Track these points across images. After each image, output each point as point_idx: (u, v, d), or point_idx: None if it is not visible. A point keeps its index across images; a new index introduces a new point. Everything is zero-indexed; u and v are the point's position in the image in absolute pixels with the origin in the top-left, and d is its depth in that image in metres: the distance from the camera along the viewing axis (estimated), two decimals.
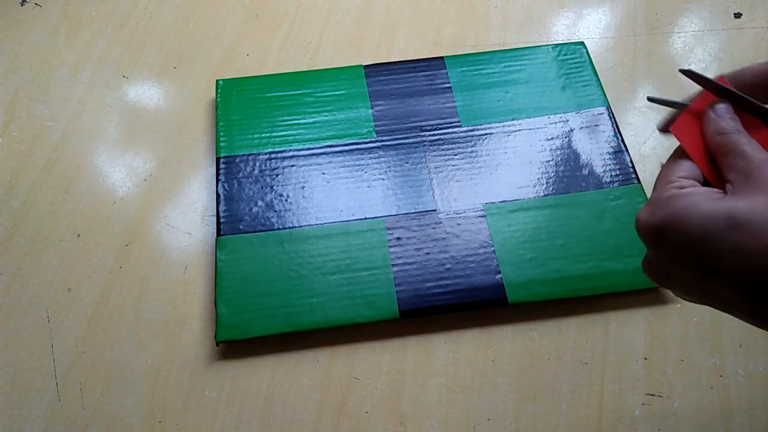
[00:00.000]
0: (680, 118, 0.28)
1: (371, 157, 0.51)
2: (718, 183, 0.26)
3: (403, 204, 0.48)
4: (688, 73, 0.28)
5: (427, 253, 0.46)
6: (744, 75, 0.28)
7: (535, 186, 0.49)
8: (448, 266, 0.45)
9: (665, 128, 0.30)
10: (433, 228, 0.47)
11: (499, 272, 0.45)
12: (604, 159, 0.50)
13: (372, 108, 0.53)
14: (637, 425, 0.41)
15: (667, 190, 0.25)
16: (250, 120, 0.52)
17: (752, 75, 0.27)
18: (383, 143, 0.51)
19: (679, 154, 0.28)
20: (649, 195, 0.48)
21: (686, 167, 0.26)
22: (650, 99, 0.30)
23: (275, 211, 0.48)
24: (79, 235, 0.49)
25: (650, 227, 0.25)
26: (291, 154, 0.51)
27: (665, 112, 0.31)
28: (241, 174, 0.50)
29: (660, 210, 0.25)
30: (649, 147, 0.53)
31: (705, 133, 0.27)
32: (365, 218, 0.48)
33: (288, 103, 0.53)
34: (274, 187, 0.49)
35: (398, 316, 0.44)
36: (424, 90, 0.54)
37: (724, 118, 0.26)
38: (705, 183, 0.26)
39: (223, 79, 0.55)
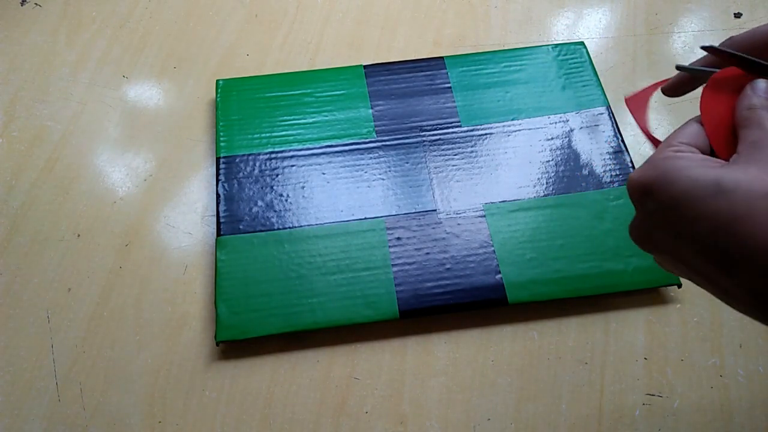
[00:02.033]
0: (706, 86, 0.27)
1: (371, 157, 0.51)
2: (726, 155, 0.25)
3: (403, 204, 0.48)
4: (710, 50, 0.27)
5: (427, 253, 0.46)
6: (754, 37, 0.27)
7: (535, 186, 0.49)
8: (448, 266, 0.45)
9: (669, 92, 0.30)
10: (433, 228, 0.47)
11: (499, 272, 0.45)
12: (604, 159, 0.50)
13: (372, 108, 0.53)
14: (637, 425, 0.41)
15: (664, 152, 0.25)
16: (250, 120, 0.52)
17: (763, 34, 0.27)
18: (383, 143, 0.51)
19: (692, 120, 0.27)
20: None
21: (689, 133, 0.26)
22: (678, 67, 0.29)
23: (275, 211, 0.48)
24: (79, 235, 0.49)
25: (638, 184, 0.25)
26: (291, 154, 0.51)
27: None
28: (241, 174, 0.50)
29: (652, 169, 0.24)
30: (649, 147, 0.53)
31: (737, 106, 0.26)
32: (365, 218, 0.48)
33: (288, 103, 0.53)
34: (274, 187, 0.49)
35: (398, 316, 0.44)
36: (424, 90, 0.54)
37: (759, 94, 0.26)
38: (711, 154, 0.26)
39: (223, 79, 0.55)
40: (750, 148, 0.24)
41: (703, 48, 0.27)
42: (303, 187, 0.49)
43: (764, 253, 0.21)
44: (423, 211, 0.48)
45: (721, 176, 0.22)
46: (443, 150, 0.51)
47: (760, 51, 0.27)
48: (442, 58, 0.56)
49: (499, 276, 0.45)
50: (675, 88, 0.31)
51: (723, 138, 0.26)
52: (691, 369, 0.43)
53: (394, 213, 0.48)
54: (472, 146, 0.51)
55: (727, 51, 0.27)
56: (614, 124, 0.52)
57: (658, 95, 0.31)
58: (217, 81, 0.55)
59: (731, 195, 0.22)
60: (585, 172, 0.50)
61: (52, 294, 0.46)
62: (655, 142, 0.28)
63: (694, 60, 0.30)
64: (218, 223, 0.47)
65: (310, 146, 0.51)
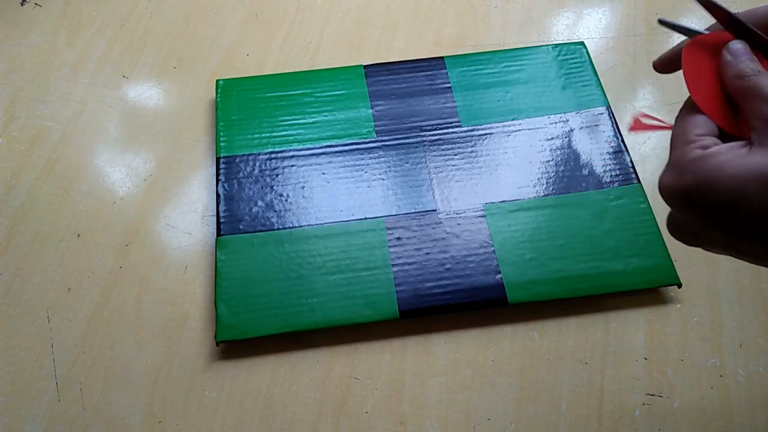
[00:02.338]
0: (685, 52, 0.26)
1: (371, 157, 0.51)
2: (735, 129, 0.24)
3: (403, 204, 0.48)
4: (706, 3, 0.26)
5: (427, 253, 0.46)
6: (753, 14, 0.26)
7: (535, 186, 0.49)
8: (448, 266, 0.45)
9: (661, 66, 0.28)
10: (433, 228, 0.47)
11: (499, 272, 0.45)
12: (604, 159, 0.50)
13: (372, 108, 0.53)
14: (637, 425, 0.41)
15: (690, 152, 0.24)
16: (250, 120, 0.52)
17: (763, 13, 0.26)
18: (383, 143, 0.51)
19: (690, 107, 0.26)
20: (649, 195, 0.48)
21: (702, 122, 0.25)
22: (661, 21, 0.28)
23: (275, 211, 0.48)
24: (79, 235, 0.49)
25: (678, 192, 0.24)
26: (291, 154, 0.51)
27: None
28: (241, 174, 0.50)
29: (687, 174, 0.23)
30: (649, 147, 0.53)
31: (723, 76, 0.25)
32: (365, 218, 0.48)
33: (288, 103, 0.53)
34: (274, 187, 0.49)
35: (398, 316, 0.44)
36: (424, 90, 0.54)
37: (741, 59, 0.25)
38: (720, 131, 0.25)
39: (223, 79, 0.55)
40: (765, 125, 0.23)
41: (698, 0, 0.26)
42: (303, 187, 0.49)
43: None
44: (423, 211, 0.48)
45: (760, 167, 0.22)
46: (443, 150, 0.51)
47: (758, 28, 0.26)
48: (442, 58, 0.56)
49: (499, 276, 0.45)
50: (668, 63, 0.29)
51: (721, 111, 0.25)
52: (691, 369, 0.43)
53: (394, 213, 0.48)
54: (472, 146, 0.51)
55: (714, 3, 0.25)
56: (614, 124, 0.52)
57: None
58: (217, 81, 0.55)
59: None
60: (585, 172, 0.50)
61: (52, 294, 0.46)
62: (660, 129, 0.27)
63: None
64: (218, 223, 0.47)
65: (310, 146, 0.51)
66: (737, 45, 0.25)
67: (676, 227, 0.26)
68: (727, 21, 0.26)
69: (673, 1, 0.62)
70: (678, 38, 0.60)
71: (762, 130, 0.23)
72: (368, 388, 0.43)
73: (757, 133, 0.23)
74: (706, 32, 0.26)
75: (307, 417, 0.42)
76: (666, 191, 0.24)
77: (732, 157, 0.23)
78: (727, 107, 0.25)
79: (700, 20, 0.61)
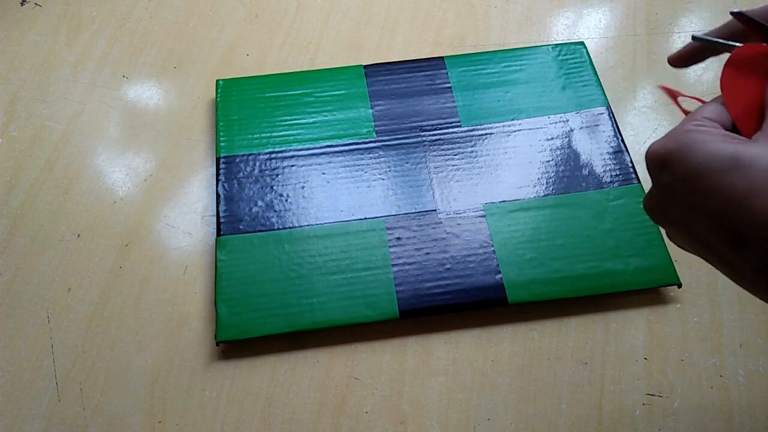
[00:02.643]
0: (728, 62, 0.26)
1: (371, 157, 0.51)
2: (749, 133, 0.25)
3: (403, 204, 0.48)
4: (739, 16, 0.26)
5: (427, 253, 0.46)
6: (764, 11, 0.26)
7: (535, 186, 0.49)
8: (448, 266, 0.45)
9: (676, 63, 0.29)
10: (433, 228, 0.47)
11: (499, 272, 0.45)
12: (604, 159, 0.50)
13: (372, 108, 0.53)
14: (637, 425, 0.41)
15: (686, 125, 0.24)
16: (250, 120, 0.52)
17: None
18: (383, 143, 0.51)
19: (711, 101, 0.27)
20: None
21: (713, 109, 0.25)
22: (695, 38, 0.28)
23: (275, 211, 0.48)
24: (79, 235, 0.49)
25: (657, 155, 0.24)
26: (291, 154, 0.51)
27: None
28: (241, 174, 0.50)
29: (671, 141, 0.24)
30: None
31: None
32: (365, 218, 0.48)
33: (288, 103, 0.53)
34: (274, 187, 0.49)
35: (398, 316, 0.44)
36: (424, 90, 0.54)
37: None
38: (734, 131, 0.25)
39: (223, 79, 0.55)
40: None
41: (733, 14, 0.26)
42: (303, 187, 0.49)
43: None
44: (423, 211, 0.48)
45: (740, 151, 0.22)
46: (443, 150, 0.51)
47: None
48: (442, 58, 0.56)
49: (499, 276, 0.45)
50: (685, 58, 0.30)
51: (746, 116, 0.25)
52: (691, 369, 0.43)
53: (394, 213, 0.48)
54: (472, 146, 0.51)
55: (758, 21, 0.25)
56: (614, 124, 0.52)
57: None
58: (217, 81, 0.55)
59: (748, 170, 0.21)
60: (585, 172, 0.50)
61: (52, 294, 0.46)
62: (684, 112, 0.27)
63: (709, 30, 0.29)
64: (218, 223, 0.47)
65: (310, 146, 0.51)
66: None
67: (648, 200, 0.26)
68: (758, 33, 0.26)
69: (673, 1, 0.62)
70: (677, 40, 0.60)
71: (765, 129, 0.23)
72: (368, 388, 0.43)
73: (761, 132, 0.23)
74: (740, 45, 0.26)
75: (307, 417, 0.42)
76: (648, 154, 0.25)
77: (718, 139, 0.23)
78: (755, 120, 0.25)
79: (700, 20, 0.61)
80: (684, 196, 0.23)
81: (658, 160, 0.24)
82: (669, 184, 0.24)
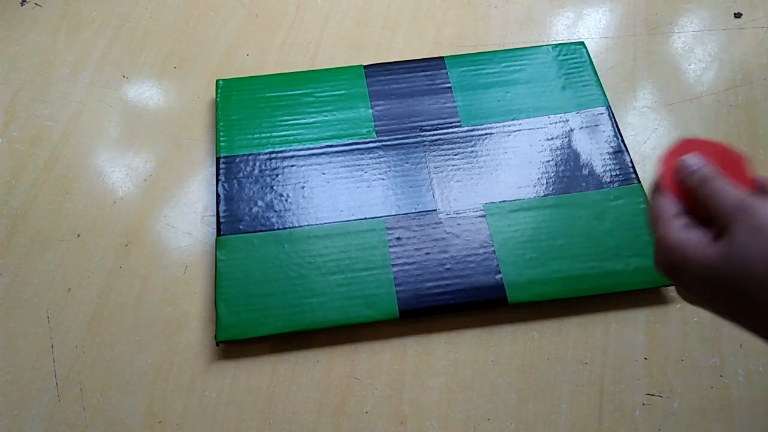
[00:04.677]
0: (663, 169, 0.31)
1: (371, 157, 0.51)
2: (700, 212, 0.29)
3: (403, 204, 0.48)
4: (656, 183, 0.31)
5: (427, 253, 0.46)
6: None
7: (535, 186, 0.49)
8: (448, 266, 0.45)
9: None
10: (433, 228, 0.47)
11: (499, 272, 0.45)
12: (604, 159, 0.50)
13: (372, 108, 0.53)
14: (637, 425, 0.41)
15: (668, 235, 0.29)
16: (250, 120, 0.52)
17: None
18: (383, 143, 0.51)
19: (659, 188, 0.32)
20: (649, 195, 0.48)
21: (673, 204, 0.30)
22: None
23: (275, 211, 0.48)
24: (79, 235, 0.49)
25: (662, 268, 0.29)
26: (291, 154, 0.51)
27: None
28: (241, 174, 0.50)
29: (666, 256, 0.29)
30: (649, 147, 0.53)
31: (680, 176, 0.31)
32: (365, 218, 0.48)
33: (288, 103, 0.53)
34: (274, 187, 0.49)
35: (398, 316, 0.44)
36: (424, 90, 0.54)
37: (693, 164, 0.30)
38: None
39: (223, 79, 0.55)
40: (720, 219, 0.28)
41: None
42: (303, 187, 0.49)
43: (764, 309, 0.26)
44: (423, 211, 0.48)
45: (714, 264, 0.27)
46: (443, 150, 0.51)
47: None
48: (442, 58, 0.56)
49: (499, 276, 0.45)
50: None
51: (689, 203, 0.30)
52: (691, 369, 0.43)
53: (394, 213, 0.48)
54: (472, 146, 0.51)
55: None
56: (614, 124, 0.52)
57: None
58: (217, 81, 0.55)
59: (732, 279, 0.26)
60: (585, 172, 0.50)
61: (52, 294, 0.46)
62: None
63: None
64: (218, 223, 0.47)
65: (310, 146, 0.51)
66: (690, 156, 0.31)
67: (677, 291, 0.31)
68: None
69: (673, 1, 0.62)
70: (677, 40, 0.60)
71: (716, 221, 0.28)
72: (368, 388, 0.43)
73: (715, 222, 0.28)
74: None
75: (307, 417, 0.42)
76: (657, 266, 0.30)
77: (697, 252, 0.28)
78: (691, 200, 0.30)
79: (700, 20, 0.61)
80: (696, 293, 0.29)
81: (664, 272, 0.29)
82: (681, 284, 0.29)
